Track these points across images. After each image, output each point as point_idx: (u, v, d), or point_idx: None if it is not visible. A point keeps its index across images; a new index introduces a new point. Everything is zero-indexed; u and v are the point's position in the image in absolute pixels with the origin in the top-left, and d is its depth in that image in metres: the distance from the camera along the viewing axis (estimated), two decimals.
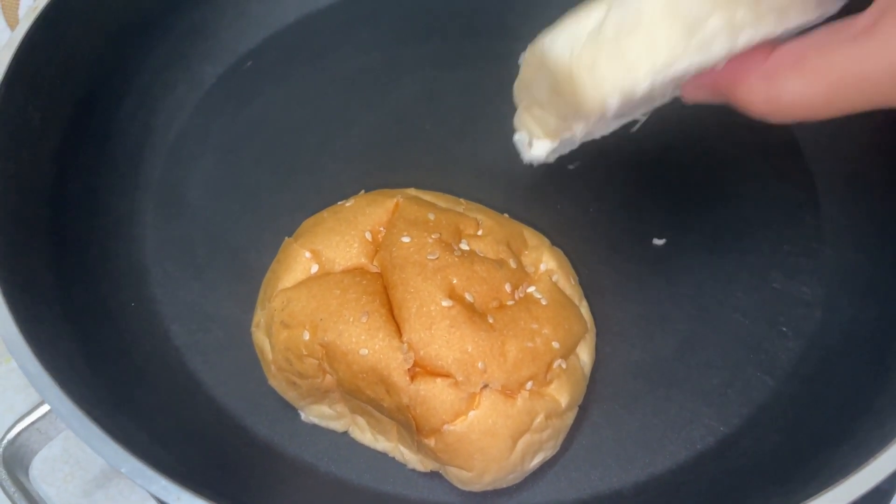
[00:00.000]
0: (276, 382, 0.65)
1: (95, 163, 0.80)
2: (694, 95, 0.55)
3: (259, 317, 0.66)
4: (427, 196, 0.70)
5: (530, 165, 0.65)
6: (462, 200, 0.71)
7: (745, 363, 0.70)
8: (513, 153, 0.65)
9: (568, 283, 0.67)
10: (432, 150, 0.83)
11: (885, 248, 0.72)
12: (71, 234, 0.74)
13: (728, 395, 0.68)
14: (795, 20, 0.51)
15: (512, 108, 0.65)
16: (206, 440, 0.67)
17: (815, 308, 0.72)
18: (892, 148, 0.74)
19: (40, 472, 0.75)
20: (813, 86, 0.47)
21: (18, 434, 0.62)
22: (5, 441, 0.62)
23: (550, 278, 0.66)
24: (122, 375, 0.68)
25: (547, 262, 0.67)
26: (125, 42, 0.84)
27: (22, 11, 0.87)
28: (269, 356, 0.64)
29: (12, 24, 0.88)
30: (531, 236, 0.69)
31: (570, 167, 0.80)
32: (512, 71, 0.61)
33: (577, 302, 0.67)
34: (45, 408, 0.61)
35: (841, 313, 0.71)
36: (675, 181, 0.79)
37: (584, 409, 0.67)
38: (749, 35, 0.50)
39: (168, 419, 0.66)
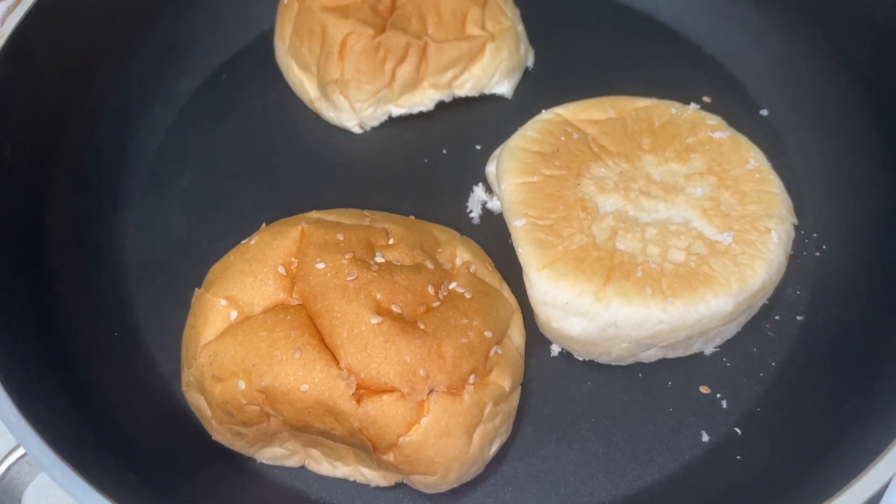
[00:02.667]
0: (221, 436, 0.63)
1: (72, 190, 0.75)
2: None
3: (187, 375, 0.63)
4: (330, 216, 0.68)
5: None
6: (366, 212, 0.70)
7: (732, 369, 0.69)
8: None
9: (486, 271, 0.67)
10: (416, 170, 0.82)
11: (868, 251, 0.72)
12: (50, 265, 0.71)
13: (715, 403, 0.67)
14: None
15: None
16: (192, 468, 0.64)
17: (799, 311, 0.72)
18: (873, 151, 0.76)
19: (34, 499, 0.70)
20: None
21: (8, 468, 0.60)
22: None
23: (468, 270, 0.66)
24: (107, 407, 0.65)
25: (462, 255, 0.67)
26: (96, 63, 0.81)
27: None
28: (208, 413, 0.61)
29: None
30: (441, 233, 0.69)
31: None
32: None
33: (497, 286, 0.67)
34: None
35: (824, 317, 0.71)
36: None
37: (573, 424, 0.67)
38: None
39: (155, 452, 0.64)
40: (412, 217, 0.71)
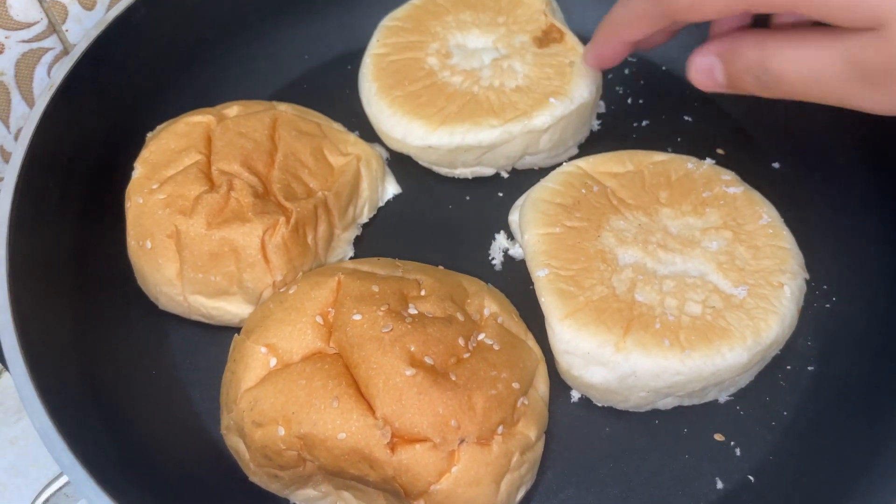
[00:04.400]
0: (258, 478, 0.64)
1: (113, 231, 0.76)
2: (702, 84, 0.63)
3: (227, 420, 0.64)
4: (365, 266, 0.70)
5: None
6: (398, 262, 0.71)
7: (746, 417, 0.70)
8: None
9: (512, 321, 0.69)
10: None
11: (878, 304, 0.73)
12: (92, 306, 0.72)
13: (729, 450, 0.69)
14: None
15: None
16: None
17: (810, 362, 0.73)
18: (883, 205, 0.77)
19: None
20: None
21: (46, 501, 0.62)
22: None
23: (496, 321, 0.67)
24: (144, 445, 0.66)
25: (489, 306, 0.68)
26: (138, 109, 0.83)
27: (37, 88, 0.86)
28: (246, 455, 0.63)
29: (29, 101, 0.86)
30: (469, 283, 0.70)
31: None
32: None
33: (523, 336, 0.69)
34: None
35: (835, 368, 0.72)
36: None
37: (592, 469, 0.68)
38: None
39: (191, 490, 0.65)
40: (441, 267, 0.72)
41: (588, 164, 0.77)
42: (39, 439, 0.73)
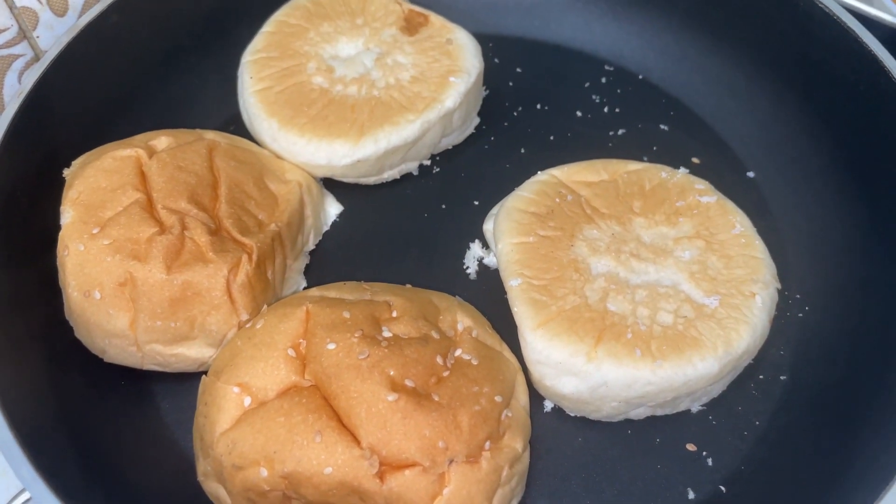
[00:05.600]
0: None
1: None
2: None
3: (204, 465, 0.62)
4: (331, 291, 0.68)
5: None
6: (364, 285, 0.70)
7: (718, 427, 0.71)
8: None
9: (486, 334, 0.68)
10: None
11: (849, 313, 0.74)
12: (62, 311, 0.69)
13: (701, 461, 0.69)
14: None
15: None
16: None
17: (783, 371, 0.74)
18: (856, 215, 0.77)
19: None
20: None
21: None
22: None
23: (471, 335, 0.67)
24: (113, 456, 0.65)
25: (462, 320, 0.68)
26: (110, 117, 0.81)
27: (7, 94, 0.84)
28: (227, 501, 0.61)
29: None
30: (440, 300, 0.69)
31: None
32: None
33: (499, 348, 0.68)
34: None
35: (807, 377, 0.73)
36: None
37: (564, 479, 0.68)
38: None
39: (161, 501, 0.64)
40: (409, 286, 0.71)
41: (562, 173, 0.77)
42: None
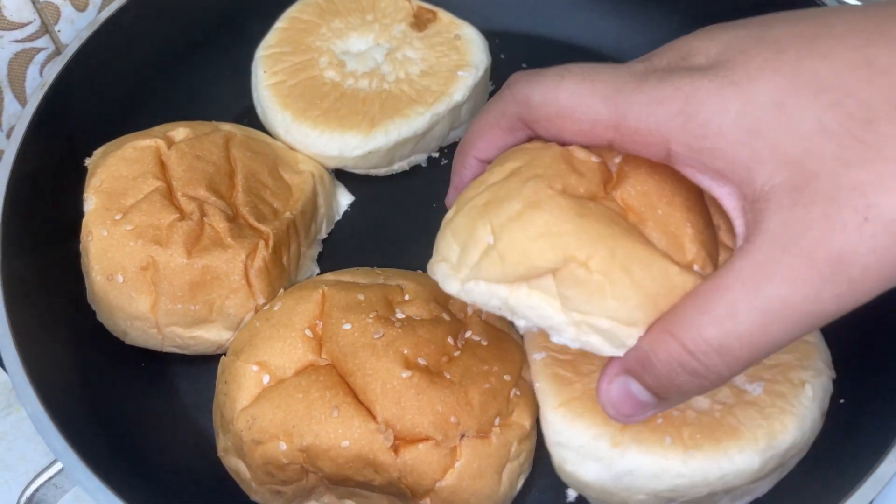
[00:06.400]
0: (260, 496, 0.64)
1: None
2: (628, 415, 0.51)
3: (224, 441, 0.64)
4: (345, 276, 0.70)
5: None
6: (377, 270, 0.72)
7: None
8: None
9: (495, 317, 0.70)
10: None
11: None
12: (85, 296, 0.71)
13: None
14: None
15: None
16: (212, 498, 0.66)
17: None
18: None
19: None
20: None
21: (37, 490, 0.63)
22: (23, 498, 0.63)
23: (479, 318, 0.68)
24: (135, 433, 0.66)
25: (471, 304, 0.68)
26: (129, 108, 0.83)
27: (29, 87, 0.86)
28: (247, 475, 0.63)
29: (21, 99, 0.86)
30: None
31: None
32: None
33: (507, 330, 0.70)
34: (61, 465, 0.62)
35: None
36: None
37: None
38: None
39: (181, 478, 0.66)
40: (420, 271, 0.73)
41: None
42: (27, 434, 0.76)
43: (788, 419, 0.58)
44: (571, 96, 0.49)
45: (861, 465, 0.57)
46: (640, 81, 0.47)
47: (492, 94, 0.90)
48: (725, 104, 0.43)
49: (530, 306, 0.50)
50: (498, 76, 0.91)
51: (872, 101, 0.41)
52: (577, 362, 0.63)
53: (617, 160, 0.54)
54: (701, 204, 0.55)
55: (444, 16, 0.88)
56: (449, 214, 0.56)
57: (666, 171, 0.52)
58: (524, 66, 0.92)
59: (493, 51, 0.88)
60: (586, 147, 0.53)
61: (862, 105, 0.41)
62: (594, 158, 0.53)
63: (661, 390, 0.47)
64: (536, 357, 0.65)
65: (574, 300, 0.48)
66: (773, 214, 0.42)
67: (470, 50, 0.85)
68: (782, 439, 0.58)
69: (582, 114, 0.49)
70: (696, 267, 0.50)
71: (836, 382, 0.62)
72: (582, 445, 0.59)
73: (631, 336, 0.47)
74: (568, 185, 0.50)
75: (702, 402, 0.60)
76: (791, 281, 0.41)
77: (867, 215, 0.40)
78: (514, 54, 0.94)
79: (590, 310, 0.48)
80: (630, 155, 0.52)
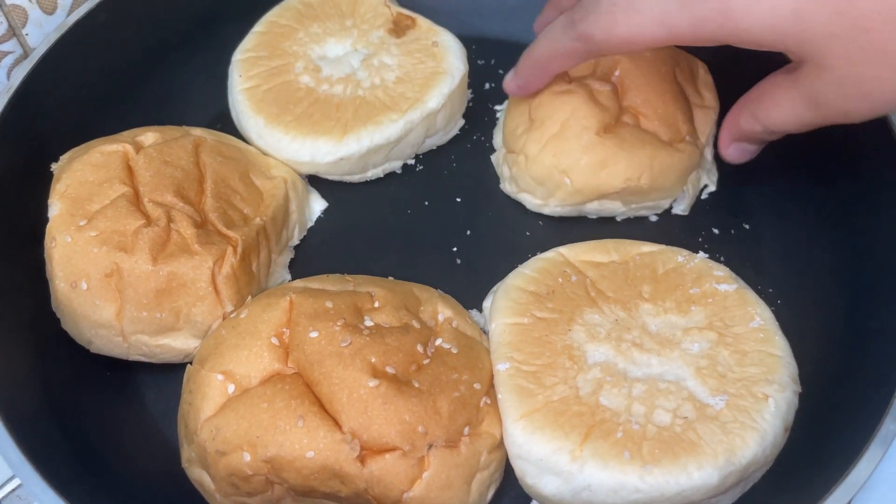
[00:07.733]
0: None
1: None
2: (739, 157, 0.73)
3: (188, 452, 0.63)
4: (314, 283, 0.69)
5: None
6: (347, 277, 0.71)
7: None
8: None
9: (466, 324, 0.69)
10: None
11: (821, 304, 0.72)
12: (48, 303, 0.69)
13: None
14: None
15: None
16: None
17: None
18: (820, 206, 0.77)
19: None
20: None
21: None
22: None
23: (451, 325, 0.67)
24: (99, 444, 0.65)
25: (443, 311, 0.68)
26: (98, 112, 0.81)
27: None
28: (211, 486, 0.61)
29: None
30: (420, 291, 0.70)
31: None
32: None
33: (479, 338, 0.69)
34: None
35: None
36: None
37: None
38: None
39: (145, 490, 0.64)
40: (391, 278, 0.72)
41: (571, 251, 0.72)
42: None
43: (749, 434, 0.58)
44: (630, 29, 0.60)
45: (827, 479, 0.56)
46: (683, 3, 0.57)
47: (470, 101, 0.89)
48: None
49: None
50: (476, 83, 0.90)
51: None
52: (541, 374, 0.63)
53: (617, 73, 0.78)
54: (679, 88, 0.79)
55: (423, 22, 0.87)
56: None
57: (652, 73, 0.78)
58: (501, 72, 0.92)
59: (471, 57, 0.88)
60: (600, 78, 0.78)
61: None
62: (607, 87, 0.77)
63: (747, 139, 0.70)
64: (500, 368, 0.64)
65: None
66: None
67: (447, 57, 0.84)
68: (742, 455, 0.57)
69: (641, 41, 0.60)
70: (687, 138, 0.77)
71: (802, 396, 0.63)
72: (541, 459, 0.59)
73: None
74: (601, 122, 0.75)
75: (663, 416, 0.59)
76: None
77: None
78: (492, 61, 0.94)
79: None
80: (624, 68, 0.78)
